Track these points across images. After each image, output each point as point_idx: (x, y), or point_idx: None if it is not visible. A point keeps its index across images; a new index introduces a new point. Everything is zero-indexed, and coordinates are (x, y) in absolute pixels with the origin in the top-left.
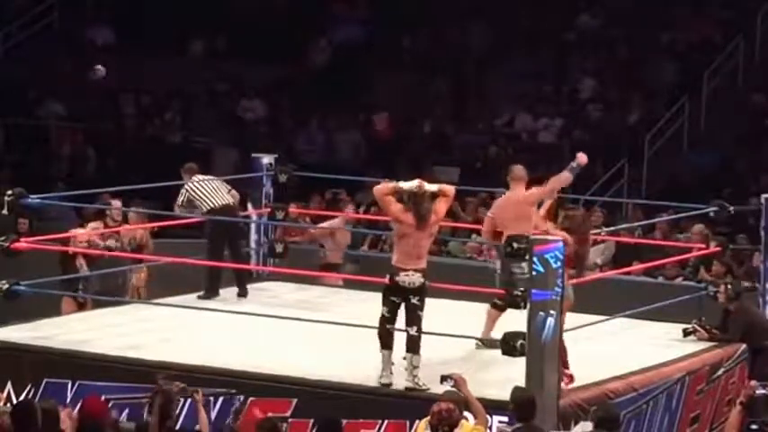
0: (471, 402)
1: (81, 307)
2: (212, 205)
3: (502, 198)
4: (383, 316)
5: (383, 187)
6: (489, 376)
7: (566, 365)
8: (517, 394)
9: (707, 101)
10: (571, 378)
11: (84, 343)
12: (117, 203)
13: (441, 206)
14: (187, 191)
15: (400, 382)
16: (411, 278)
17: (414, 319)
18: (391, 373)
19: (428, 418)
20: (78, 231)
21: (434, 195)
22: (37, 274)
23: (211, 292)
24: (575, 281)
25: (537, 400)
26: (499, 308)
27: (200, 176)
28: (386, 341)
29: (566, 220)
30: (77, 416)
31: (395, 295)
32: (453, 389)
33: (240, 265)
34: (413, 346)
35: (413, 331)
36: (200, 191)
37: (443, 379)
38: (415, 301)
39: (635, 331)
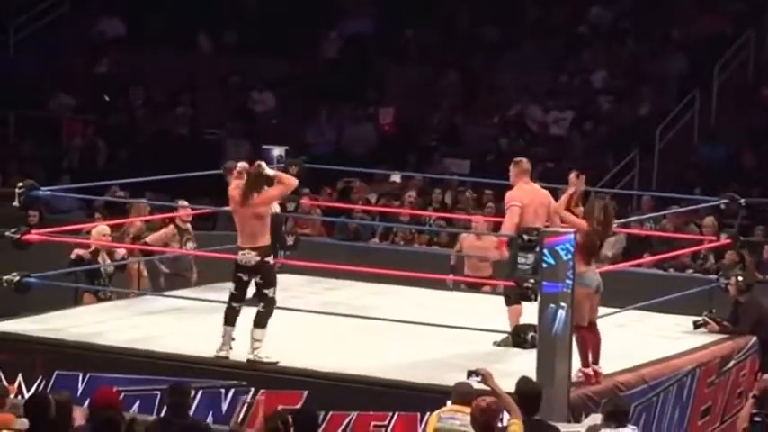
0: (501, 397)
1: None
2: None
3: (528, 189)
4: (231, 293)
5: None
6: (500, 368)
7: (595, 361)
8: (524, 386)
9: (717, 94)
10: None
11: (96, 335)
12: (184, 203)
13: (271, 191)
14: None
15: (411, 372)
16: (246, 257)
17: (261, 296)
18: (231, 348)
19: (439, 411)
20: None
21: (268, 179)
22: (50, 266)
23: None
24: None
25: (548, 392)
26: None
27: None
28: (229, 317)
29: (601, 211)
30: (88, 408)
31: (239, 272)
32: (480, 383)
33: None
34: (259, 320)
35: (260, 307)
36: None
37: (470, 374)
38: (257, 279)
39: (645, 323)
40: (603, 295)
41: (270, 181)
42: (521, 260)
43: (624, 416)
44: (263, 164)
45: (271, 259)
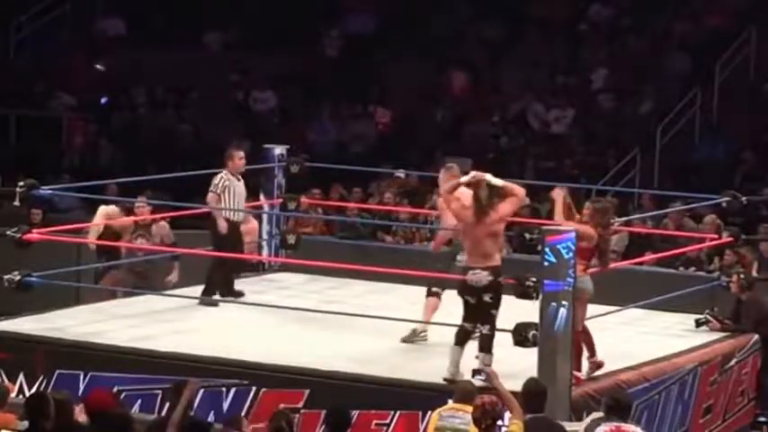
0: (504, 396)
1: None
2: (231, 217)
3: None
4: (463, 315)
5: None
6: (501, 367)
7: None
8: (530, 386)
9: (719, 91)
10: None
11: (96, 334)
12: (142, 199)
13: (505, 206)
14: (222, 179)
15: (412, 371)
16: (477, 277)
17: (486, 317)
18: (458, 371)
19: (441, 409)
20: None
21: (495, 190)
22: (52, 265)
23: (208, 297)
24: (592, 271)
25: (549, 391)
26: (436, 295)
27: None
28: (458, 338)
29: (595, 213)
30: (84, 411)
31: (467, 294)
32: (485, 382)
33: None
34: (484, 344)
35: (485, 330)
36: (230, 192)
37: (475, 373)
38: (486, 299)
39: (647, 322)
40: (605, 294)
41: (499, 192)
42: (459, 257)
43: (625, 410)
44: (489, 175)
45: (502, 279)
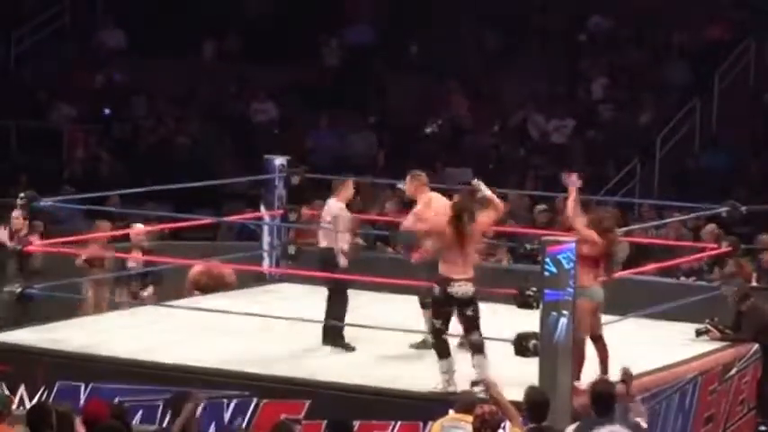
0: (504, 405)
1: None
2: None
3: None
4: (437, 328)
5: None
6: (502, 377)
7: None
8: (532, 395)
9: (718, 101)
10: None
11: (97, 345)
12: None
13: (483, 218)
14: (341, 210)
15: (413, 381)
16: (463, 289)
17: (471, 326)
18: (452, 378)
19: (442, 419)
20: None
21: (479, 200)
22: (53, 277)
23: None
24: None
25: (550, 401)
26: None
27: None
28: (444, 351)
29: (598, 221)
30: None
31: (449, 306)
32: (484, 392)
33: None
34: (476, 348)
35: (475, 337)
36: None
37: (474, 384)
38: (469, 312)
39: (647, 331)
40: (606, 303)
41: (482, 203)
42: None
43: (608, 402)
44: (481, 184)
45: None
